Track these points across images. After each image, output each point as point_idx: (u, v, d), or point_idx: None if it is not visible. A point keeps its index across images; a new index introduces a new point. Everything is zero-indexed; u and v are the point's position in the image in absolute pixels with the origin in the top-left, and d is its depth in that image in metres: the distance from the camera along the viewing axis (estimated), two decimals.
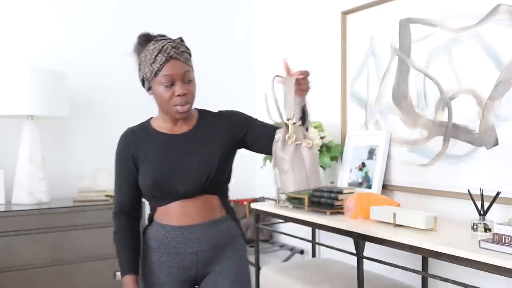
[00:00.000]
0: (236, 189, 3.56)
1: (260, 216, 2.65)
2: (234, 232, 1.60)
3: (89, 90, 3.00)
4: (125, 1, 3.12)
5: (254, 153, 3.63)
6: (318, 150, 2.47)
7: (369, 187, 2.41)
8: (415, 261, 2.34)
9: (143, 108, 3.17)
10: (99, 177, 2.77)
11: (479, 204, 2.01)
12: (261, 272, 2.62)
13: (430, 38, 2.24)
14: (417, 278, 2.33)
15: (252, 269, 3.57)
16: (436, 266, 2.23)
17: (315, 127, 2.54)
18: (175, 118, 1.52)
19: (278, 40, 3.38)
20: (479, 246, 1.59)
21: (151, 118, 1.60)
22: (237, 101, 3.57)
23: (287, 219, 2.39)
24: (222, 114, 1.64)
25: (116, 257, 2.59)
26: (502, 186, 1.94)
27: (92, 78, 3.01)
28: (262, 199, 3.39)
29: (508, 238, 1.51)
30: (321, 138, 2.53)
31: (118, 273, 2.59)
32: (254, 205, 2.65)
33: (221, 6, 3.49)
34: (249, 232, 3.23)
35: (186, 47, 1.50)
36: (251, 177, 3.63)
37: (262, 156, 3.58)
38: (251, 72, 3.64)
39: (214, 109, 3.53)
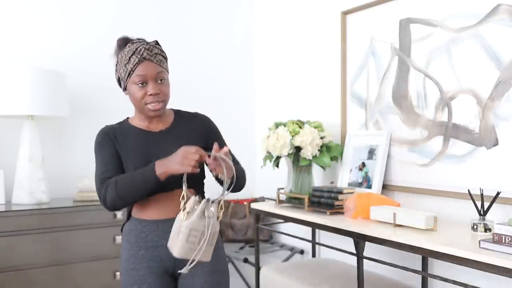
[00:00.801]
0: None
1: (260, 216, 2.64)
2: None
3: (89, 90, 3.01)
4: (125, 1, 3.12)
5: (254, 153, 3.64)
6: (318, 150, 2.47)
7: (369, 187, 2.41)
8: (415, 261, 2.34)
9: None
10: None
11: (479, 204, 2.01)
12: (261, 272, 2.62)
13: (430, 38, 2.24)
14: (417, 278, 2.33)
15: (252, 269, 3.57)
16: (436, 266, 2.23)
17: (315, 127, 2.55)
18: (148, 116, 1.58)
19: (278, 40, 3.38)
20: (479, 246, 1.59)
21: (128, 117, 1.67)
22: (237, 101, 3.57)
23: (287, 219, 2.39)
24: (199, 117, 1.71)
25: (116, 257, 2.60)
26: (502, 186, 1.94)
27: (92, 78, 3.01)
28: (262, 199, 3.39)
29: (508, 238, 1.51)
30: (321, 138, 2.53)
31: (118, 273, 2.59)
32: (254, 205, 2.65)
33: (221, 6, 3.49)
34: (249, 232, 3.23)
35: (161, 50, 1.58)
36: (251, 177, 3.63)
37: (262, 156, 3.58)
38: (251, 72, 3.64)
39: (214, 109, 3.54)
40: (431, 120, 2.25)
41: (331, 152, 2.56)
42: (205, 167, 1.57)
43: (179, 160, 1.40)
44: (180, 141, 1.62)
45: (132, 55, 1.51)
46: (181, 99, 3.31)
